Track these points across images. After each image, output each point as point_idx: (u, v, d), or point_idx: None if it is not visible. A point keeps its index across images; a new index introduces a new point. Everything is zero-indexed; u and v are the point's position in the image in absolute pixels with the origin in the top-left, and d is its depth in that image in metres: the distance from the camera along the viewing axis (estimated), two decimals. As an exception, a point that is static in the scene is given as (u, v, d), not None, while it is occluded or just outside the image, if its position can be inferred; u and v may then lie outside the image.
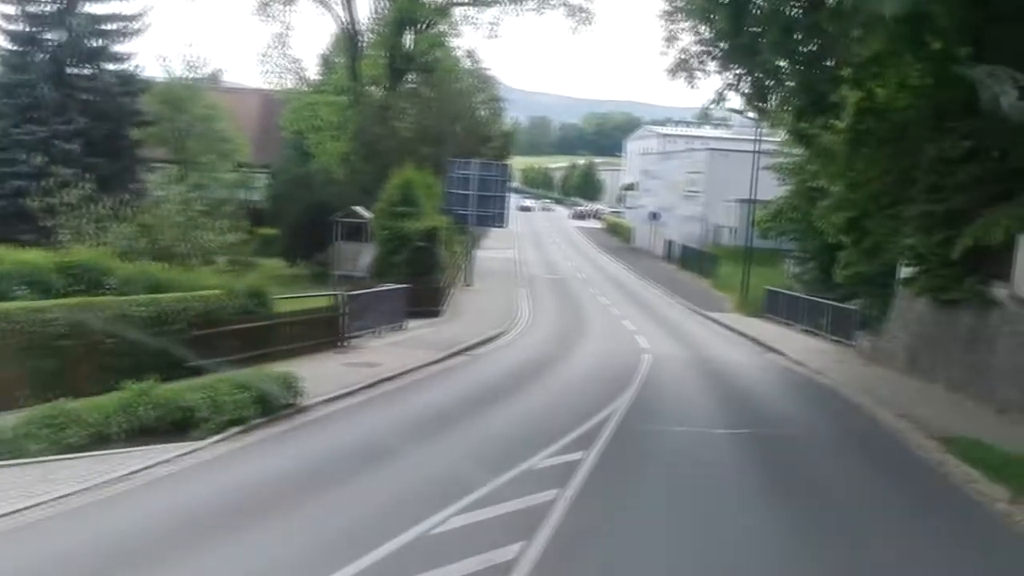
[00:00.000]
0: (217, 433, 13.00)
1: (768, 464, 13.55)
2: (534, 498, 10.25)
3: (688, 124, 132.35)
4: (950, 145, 19.83)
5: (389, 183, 32.42)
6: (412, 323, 27.45)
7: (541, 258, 64.38)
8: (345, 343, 22.61)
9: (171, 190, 30.04)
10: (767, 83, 19.82)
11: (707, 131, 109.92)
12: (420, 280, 29.86)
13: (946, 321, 20.57)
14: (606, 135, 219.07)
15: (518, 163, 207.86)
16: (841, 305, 28.91)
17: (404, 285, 27.42)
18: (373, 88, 55.81)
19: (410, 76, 54.76)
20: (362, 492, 10.85)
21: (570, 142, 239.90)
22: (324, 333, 22.28)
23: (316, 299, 24.93)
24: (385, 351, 22.60)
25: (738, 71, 19.77)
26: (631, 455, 13.32)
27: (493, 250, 64.96)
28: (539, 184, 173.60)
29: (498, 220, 44.13)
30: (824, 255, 36.00)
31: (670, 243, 62.94)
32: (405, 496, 10.51)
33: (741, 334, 31.58)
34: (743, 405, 18.70)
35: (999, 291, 18.53)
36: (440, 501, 9.86)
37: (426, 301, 29.62)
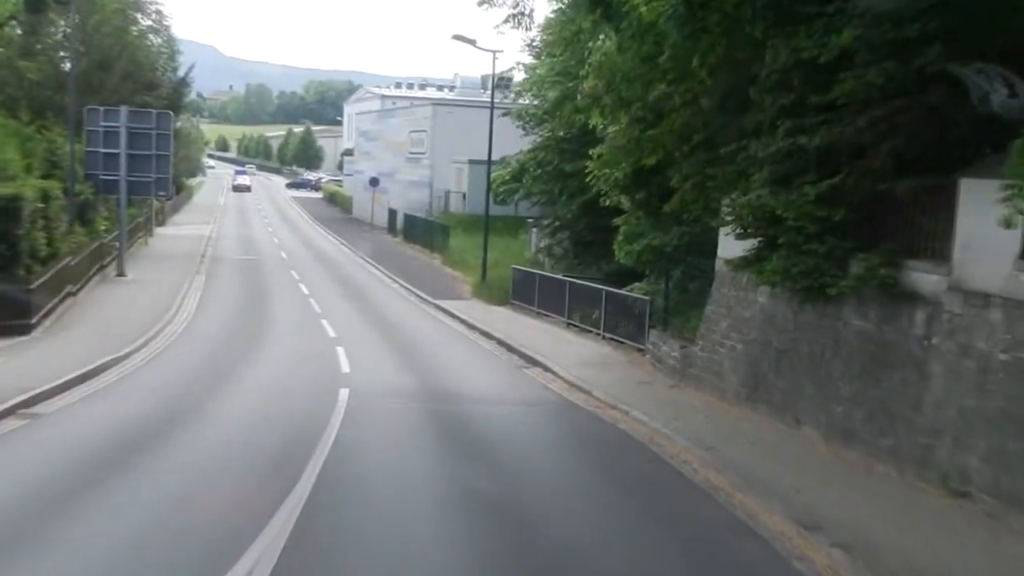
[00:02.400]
0: None
1: None
2: None
3: (411, 86, 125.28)
4: (812, 43, 12.01)
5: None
6: (-34, 352, 16.81)
7: (243, 234, 53.73)
8: None
9: None
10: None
11: (432, 93, 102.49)
12: (-8, 279, 18.94)
13: (820, 328, 12.73)
14: (328, 103, 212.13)
15: (234, 132, 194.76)
16: (626, 293, 20.81)
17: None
18: (10, 25, 43.80)
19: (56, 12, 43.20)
20: None
21: (291, 110, 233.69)
22: None
23: None
24: None
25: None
26: None
27: (187, 225, 54.51)
28: (257, 153, 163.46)
29: (161, 187, 33.24)
30: (580, 222, 28.66)
31: (393, 212, 53.97)
32: None
33: (487, 335, 22.90)
34: (511, 524, 9.43)
35: (924, 278, 10.91)
36: None
37: (3, 313, 18.76)
